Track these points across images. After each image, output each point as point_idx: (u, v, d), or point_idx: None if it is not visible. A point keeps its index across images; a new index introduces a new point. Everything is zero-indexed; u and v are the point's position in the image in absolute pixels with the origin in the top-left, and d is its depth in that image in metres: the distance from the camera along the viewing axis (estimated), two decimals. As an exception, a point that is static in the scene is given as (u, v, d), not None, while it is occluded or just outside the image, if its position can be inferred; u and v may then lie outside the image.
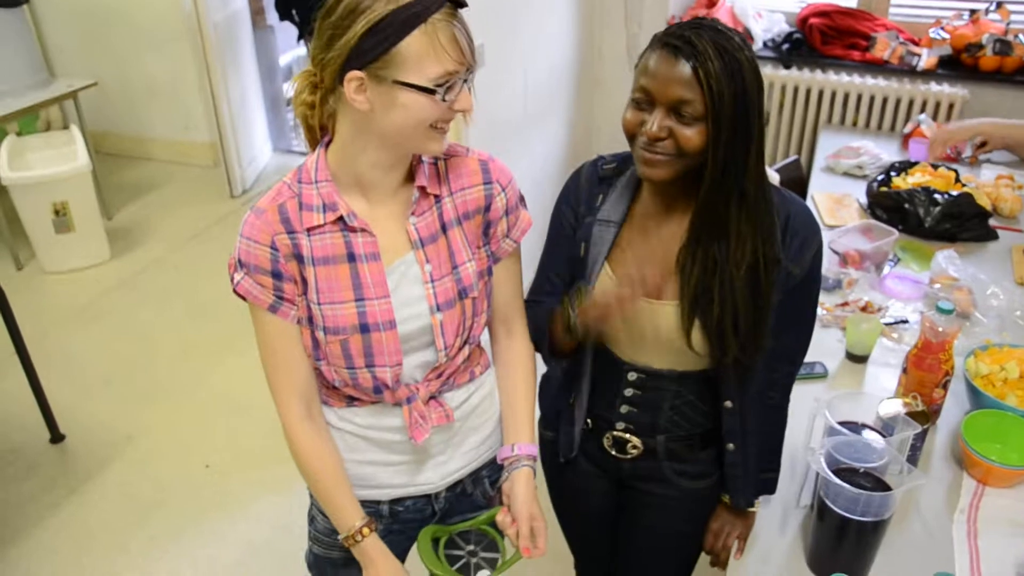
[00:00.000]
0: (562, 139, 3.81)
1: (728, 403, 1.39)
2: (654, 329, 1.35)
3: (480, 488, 1.47)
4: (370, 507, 1.37)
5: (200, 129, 5.06)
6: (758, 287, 1.27)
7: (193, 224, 4.42)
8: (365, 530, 1.30)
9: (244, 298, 1.20)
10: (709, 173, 1.21)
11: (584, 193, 1.41)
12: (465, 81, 1.13)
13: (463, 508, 1.45)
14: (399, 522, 1.42)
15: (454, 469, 1.41)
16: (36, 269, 4.02)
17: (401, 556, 1.44)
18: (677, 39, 1.17)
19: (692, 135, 1.18)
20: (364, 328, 1.21)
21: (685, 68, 1.16)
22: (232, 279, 1.20)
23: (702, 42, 1.15)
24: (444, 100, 1.10)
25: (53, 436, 2.92)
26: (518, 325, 1.44)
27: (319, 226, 1.18)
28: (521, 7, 3.12)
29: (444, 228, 1.26)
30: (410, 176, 1.25)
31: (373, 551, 1.31)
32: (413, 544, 1.44)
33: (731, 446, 1.43)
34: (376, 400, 1.30)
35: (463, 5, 1.11)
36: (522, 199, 1.36)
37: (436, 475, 1.39)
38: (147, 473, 2.81)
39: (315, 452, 1.29)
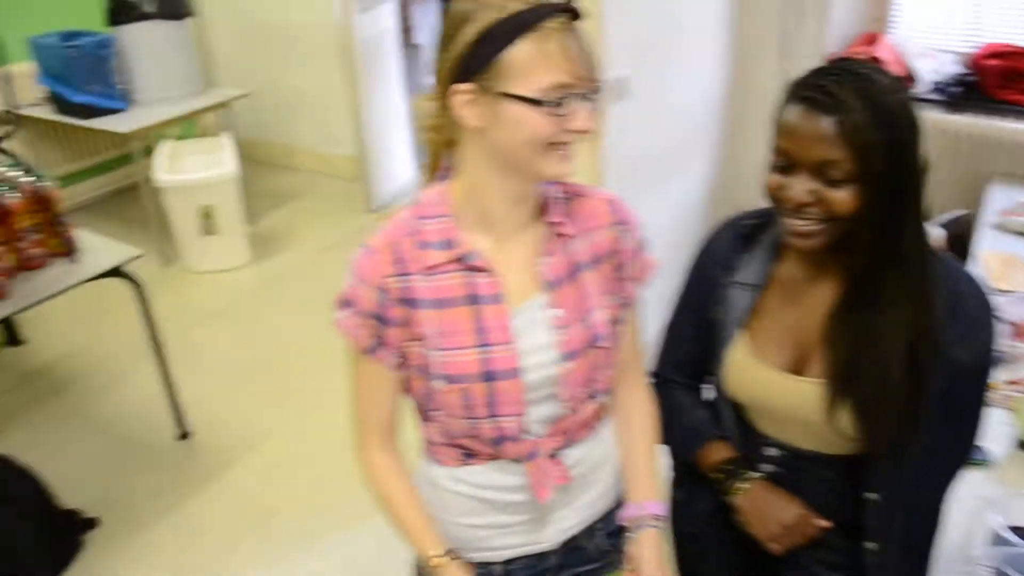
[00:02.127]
0: (704, 183, 3.66)
1: (873, 496, 1.24)
2: (795, 408, 1.22)
3: (593, 542, 1.36)
4: (482, 569, 1.30)
5: (345, 142, 5.20)
6: (915, 367, 1.12)
7: (331, 234, 4.53)
8: (445, 559, 1.22)
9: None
10: (865, 237, 1.08)
11: (722, 253, 1.29)
12: (585, 99, 1.03)
13: (574, 562, 1.35)
14: None
15: (570, 526, 1.32)
16: (180, 268, 4.19)
17: None
18: (814, 90, 1.04)
19: (843, 198, 1.05)
20: (488, 376, 1.13)
21: (826, 124, 1.03)
22: (336, 314, 1.17)
23: (844, 90, 1.02)
24: (555, 115, 1.01)
25: (181, 433, 3.01)
26: (638, 374, 1.35)
27: (437, 265, 1.12)
28: (672, 39, 3.02)
29: (575, 271, 1.18)
30: (539, 215, 1.17)
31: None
32: None
33: (873, 545, 1.27)
34: (495, 455, 1.22)
35: (578, 16, 1.02)
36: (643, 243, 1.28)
37: (553, 533, 1.31)
38: (268, 479, 2.85)
39: (391, 473, 1.27)
